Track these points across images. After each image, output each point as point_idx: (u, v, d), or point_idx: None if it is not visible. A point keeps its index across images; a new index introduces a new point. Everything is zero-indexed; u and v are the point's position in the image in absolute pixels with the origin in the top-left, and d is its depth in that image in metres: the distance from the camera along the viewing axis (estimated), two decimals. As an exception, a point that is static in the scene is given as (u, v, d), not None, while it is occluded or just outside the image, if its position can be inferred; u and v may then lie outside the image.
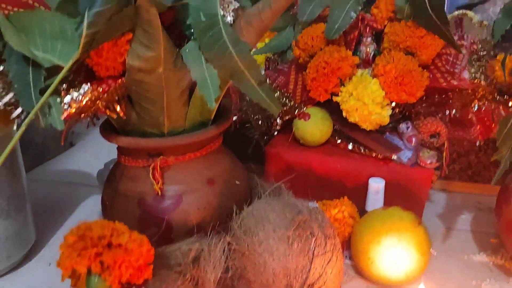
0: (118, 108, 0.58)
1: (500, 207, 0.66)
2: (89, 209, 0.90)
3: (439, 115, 0.80)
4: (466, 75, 0.74)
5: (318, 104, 0.80)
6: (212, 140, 0.66)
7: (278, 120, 0.83)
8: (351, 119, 0.74)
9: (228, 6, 0.60)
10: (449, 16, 1.04)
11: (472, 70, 0.74)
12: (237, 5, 0.61)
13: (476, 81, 0.73)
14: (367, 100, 0.72)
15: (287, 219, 0.58)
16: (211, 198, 0.64)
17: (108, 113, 0.57)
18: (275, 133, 0.85)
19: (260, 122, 0.85)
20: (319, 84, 0.75)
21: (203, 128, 0.64)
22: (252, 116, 0.86)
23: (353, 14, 0.75)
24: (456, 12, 1.04)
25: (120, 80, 0.54)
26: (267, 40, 0.97)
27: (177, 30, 0.60)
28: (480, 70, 0.74)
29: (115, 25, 0.48)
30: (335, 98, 0.75)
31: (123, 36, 0.51)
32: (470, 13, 1.03)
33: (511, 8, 0.99)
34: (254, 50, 0.98)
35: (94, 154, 1.10)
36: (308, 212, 0.59)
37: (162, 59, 0.54)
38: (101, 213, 0.69)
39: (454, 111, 0.79)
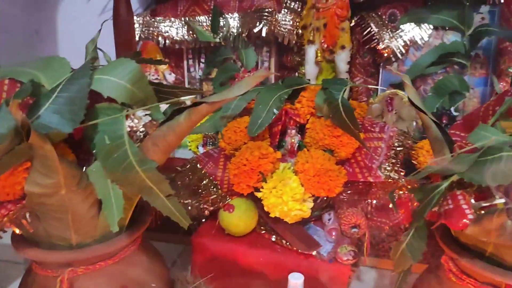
0: (25, 223, 0.58)
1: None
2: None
3: (361, 204, 0.83)
4: (380, 172, 0.77)
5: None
6: (127, 245, 0.66)
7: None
8: (272, 215, 0.75)
9: (138, 122, 0.61)
10: (381, 95, 1.08)
11: (388, 168, 0.77)
12: (148, 119, 0.62)
13: (390, 180, 0.76)
14: (286, 198, 0.73)
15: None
16: (123, 307, 0.63)
17: (14, 229, 0.57)
18: (203, 220, 0.85)
19: (190, 208, 0.86)
20: (240, 180, 0.76)
21: (117, 235, 0.64)
22: (183, 200, 0.86)
23: (275, 111, 0.78)
24: (388, 91, 1.08)
25: (20, 203, 0.55)
26: (202, 120, 0.99)
27: (86, 145, 0.60)
28: (395, 169, 0.77)
29: (8, 162, 0.49)
30: (256, 194, 0.76)
31: (20, 166, 0.52)
32: (401, 92, 1.07)
33: (440, 87, 1.05)
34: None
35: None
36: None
37: (63, 184, 0.54)
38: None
39: (375, 201, 0.82)
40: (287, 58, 1.17)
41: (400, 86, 1.10)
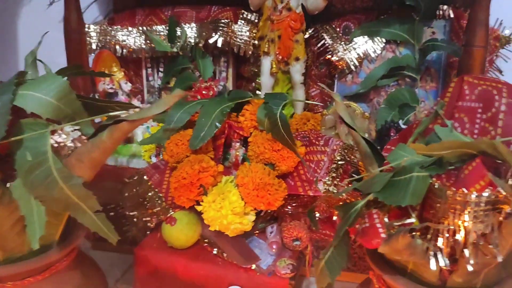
0: None
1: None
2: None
3: (304, 217, 0.83)
4: (321, 186, 0.77)
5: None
6: (58, 260, 0.65)
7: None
8: (211, 228, 0.76)
9: (67, 137, 0.61)
10: (334, 106, 1.09)
11: (328, 182, 0.78)
12: (78, 134, 0.62)
13: (328, 194, 0.76)
14: (224, 212, 0.74)
15: None
16: (52, 324, 0.63)
17: None
18: (148, 232, 0.85)
19: (135, 220, 0.86)
20: (181, 193, 0.76)
21: (46, 250, 0.64)
22: (128, 212, 0.86)
23: (218, 124, 0.78)
24: (341, 103, 1.10)
25: None
26: (153, 131, 0.99)
27: (12, 161, 0.60)
28: (334, 183, 0.78)
29: None
30: (197, 208, 0.77)
31: None
32: (353, 104, 1.09)
33: (392, 99, 1.06)
34: (140, 140, 1.00)
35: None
36: None
37: (-17, 200, 0.54)
38: None
39: (318, 214, 0.82)
40: (244, 68, 1.18)
41: (354, 98, 1.11)
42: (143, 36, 1.15)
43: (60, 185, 0.56)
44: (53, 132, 0.59)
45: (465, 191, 0.46)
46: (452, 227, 0.48)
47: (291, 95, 1.15)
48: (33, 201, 0.56)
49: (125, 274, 0.96)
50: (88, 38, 1.14)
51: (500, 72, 1.04)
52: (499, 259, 0.47)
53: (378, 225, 0.51)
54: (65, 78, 0.63)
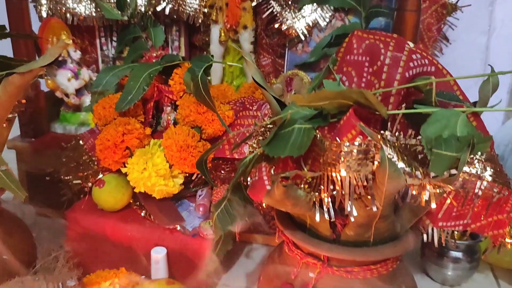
0: None
1: None
2: None
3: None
4: (246, 149, 0.78)
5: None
6: (-26, 217, 0.66)
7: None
8: (136, 190, 0.76)
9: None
10: (282, 75, 1.09)
11: (253, 144, 0.78)
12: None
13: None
14: (147, 173, 0.74)
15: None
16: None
17: None
18: (82, 196, 0.86)
19: (70, 183, 0.87)
20: (105, 155, 0.77)
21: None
22: (64, 176, 0.87)
23: (145, 87, 0.78)
24: (289, 72, 1.09)
25: None
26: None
27: None
28: (258, 145, 0.78)
29: None
30: (122, 169, 0.77)
31: None
32: (301, 73, 1.08)
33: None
34: (85, 106, 1.00)
35: None
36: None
37: None
38: None
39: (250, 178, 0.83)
40: (196, 37, 1.17)
41: (304, 66, 1.11)
42: (94, 4, 1.14)
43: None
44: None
45: (338, 140, 0.46)
46: (318, 175, 0.48)
47: (242, 64, 1.14)
48: None
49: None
50: (38, 6, 1.14)
51: (447, 40, 1.03)
52: (374, 208, 0.48)
53: (265, 177, 0.52)
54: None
